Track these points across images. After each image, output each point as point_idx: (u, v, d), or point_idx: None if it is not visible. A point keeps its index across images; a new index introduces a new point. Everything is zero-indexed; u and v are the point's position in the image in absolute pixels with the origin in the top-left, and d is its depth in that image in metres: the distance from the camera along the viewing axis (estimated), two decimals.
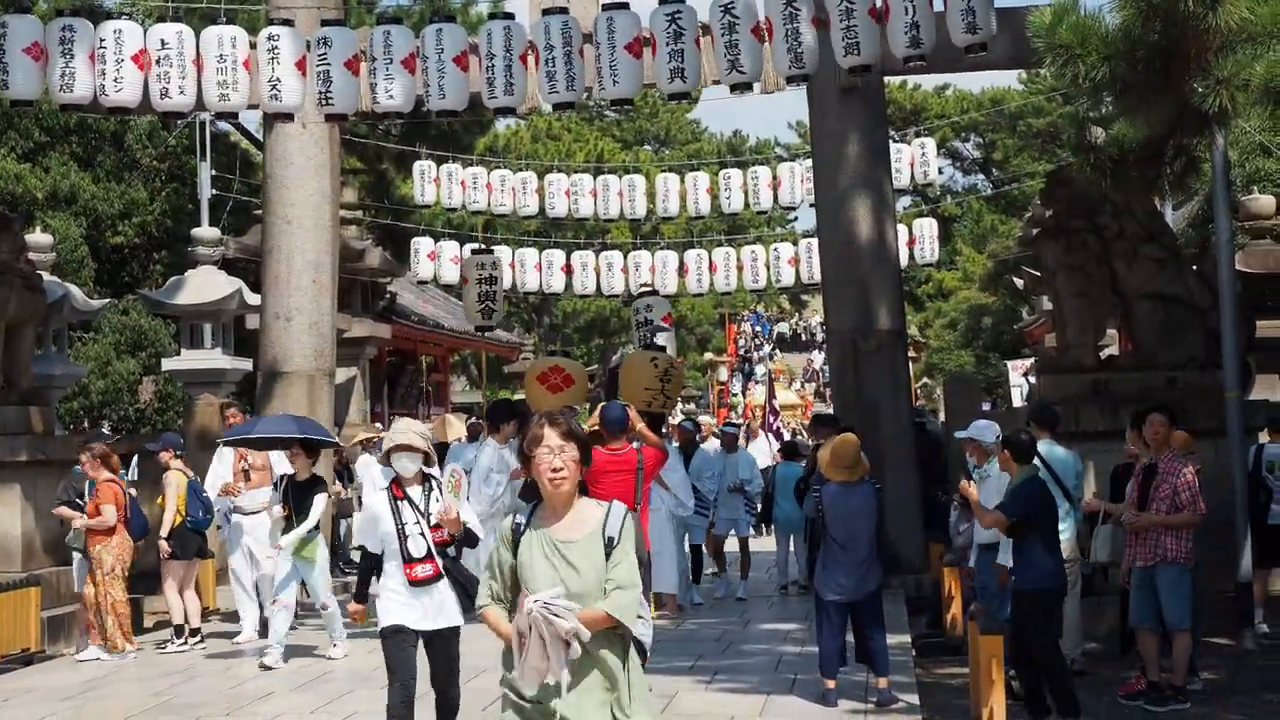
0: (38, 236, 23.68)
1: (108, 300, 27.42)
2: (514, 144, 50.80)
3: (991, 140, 64.14)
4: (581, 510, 5.83)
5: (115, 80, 15.63)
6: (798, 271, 28.86)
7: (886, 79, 57.22)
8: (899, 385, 18.95)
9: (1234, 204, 24.88)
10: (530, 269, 29.29)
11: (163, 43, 15.68)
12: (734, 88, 14.51)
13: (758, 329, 50.48)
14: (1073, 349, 16.46)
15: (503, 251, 29.42)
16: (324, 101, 15.75)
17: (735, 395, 51.34)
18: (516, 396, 45.11)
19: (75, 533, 14.98)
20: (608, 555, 5.70)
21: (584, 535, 5.75)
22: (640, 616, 5.96)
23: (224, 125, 32.35)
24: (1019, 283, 33.96)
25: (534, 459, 5.78)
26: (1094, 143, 9.53)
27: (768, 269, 29.23)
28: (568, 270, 29.36)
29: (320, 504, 13.79)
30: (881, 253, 18.57)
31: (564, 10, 15.25)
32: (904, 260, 29.25)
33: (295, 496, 13.67)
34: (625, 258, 29.87)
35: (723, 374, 52.51)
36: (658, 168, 36.42)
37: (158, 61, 15.66)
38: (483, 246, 27.51)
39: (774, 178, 27.95)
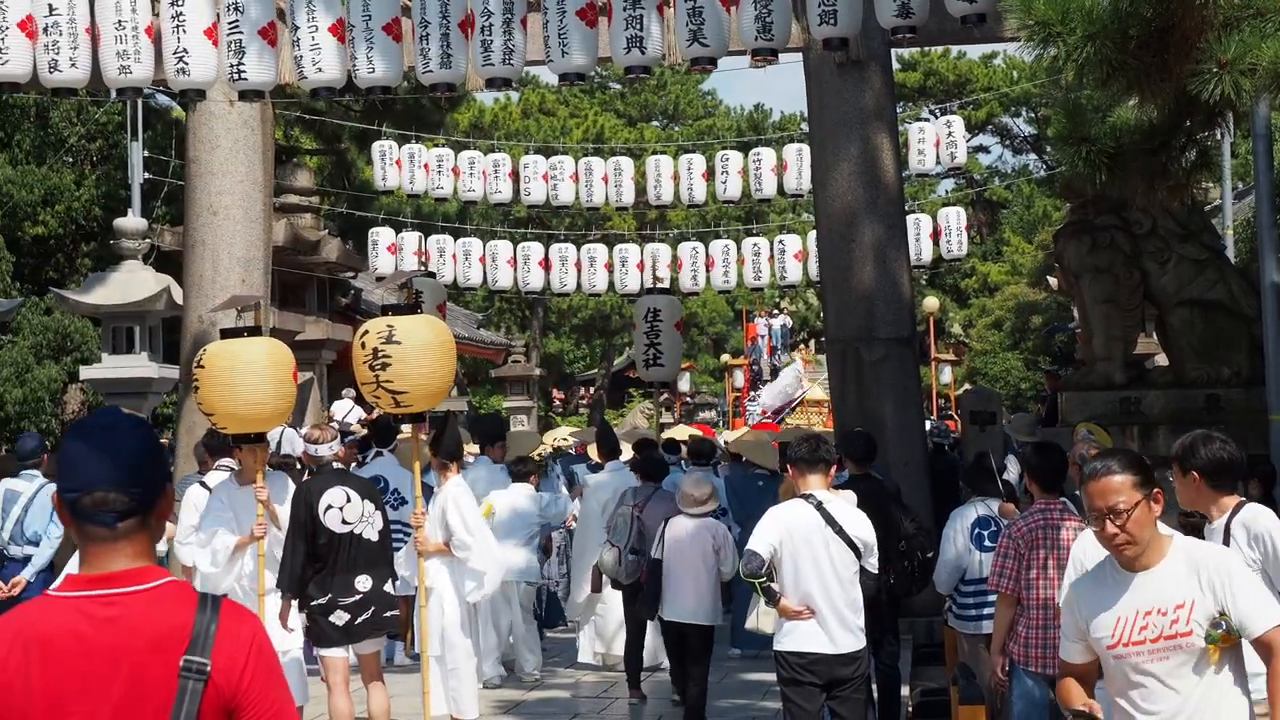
0: None
1: (19, 299, 27.07)
2: (502, 120, 50.48)
3: (1045, 115, 63.60)
4: None
5: None
6: (806, 267, 28.44)
7: (926, 49, 56.33)
8: (909, 400, 18.53)
9: None
10: (503, 263, 28.86)
11: (51, 8, 15.23)
12: (695, 62, 14.08)
13: (765, 333, 49.89)
14: (1099, 362, 15.98)
15: (472, 244, 29.06)
16: (237, 76, 15.27)
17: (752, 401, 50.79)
18: (509, 403, 45.06)
19: None
20: None
21: None
22: None
23: (164, 99, 31.90)
24: (1053, 282, 33.42)
25: None
26: (1087, 134, 9.05)
27: (772, 264, 28.84)
28: (546, 266, 28.94)
29: None
30: (889, 250, 18.15)
31: None
32: (928, 255, 28.96)
33: None
34: (610, 251, 29.44)
35: (739, 379, 52.01)
36: (647, 149, 36.06)
37: (45, 30, 15.22)
38: (424, 268, 26.82)
39: (779, 161, 27.48)
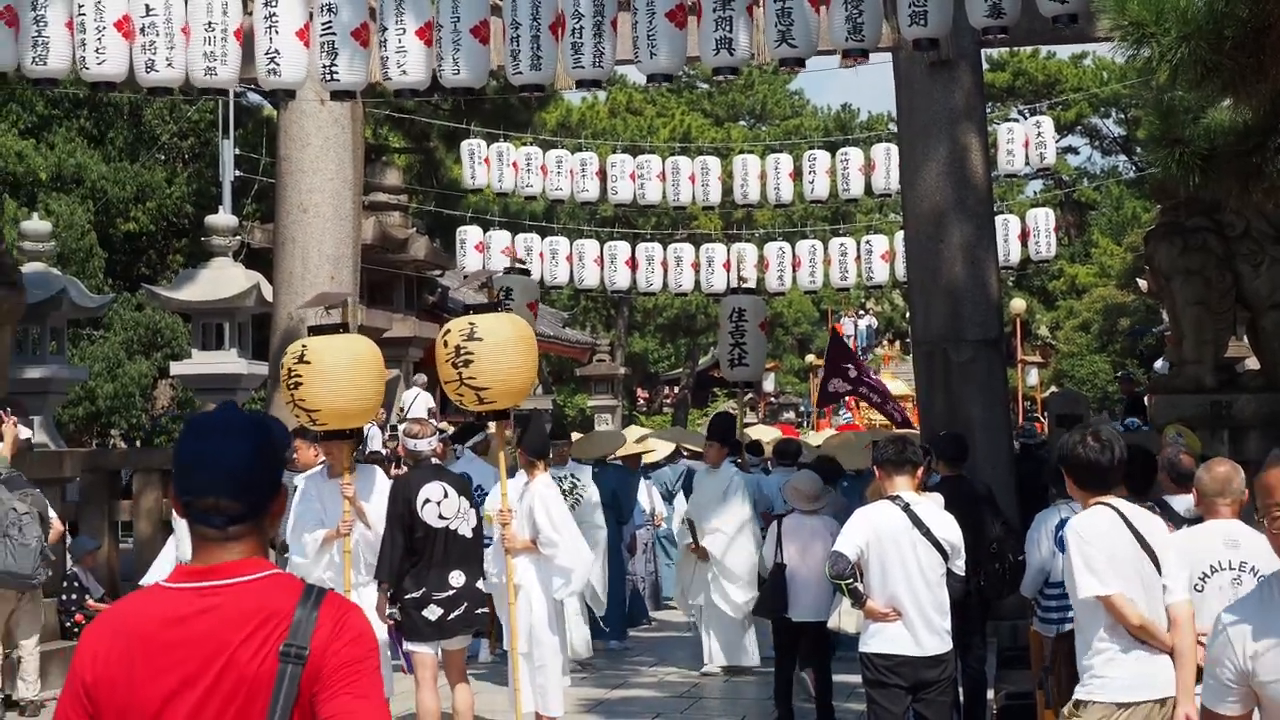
0: (35, 224, 23.64)
1: (111, 295, 27.35)
2: (590, 119, 50.53)
3: (1136, 116, 63.01)
4: None
5: (96, 51, 15.32)
6: (892, 267, 28.36)
7: (1016, 49, 55.83)
8: (996, 402, 18.44)
9: None
10: (589, 262, 28.90)
11: (148, 8, 15.38)
12: (783, 63, 14.08)
13: (851, 334, 49.58)
14: (1189, 365, 15.77)
15: (559, 243, 29.11)
16: (329, 76, 15.38)
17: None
18: (594, 402, 45.11)
19: None
20: None
21: None
22: None
23: (255, 97, 32.20)
24: (1143, 284, 33.16)
25: None
26: (1181, 135, 8.97)
27: (858, 264, 28.79)
28: (632, 265, 28.98)
29: None
30: (977, 251, 18.07)
31: None
32: (1016, 256, 28.81)
33: None
34: (697, 251, 29.47)
35: None
36: (734, 148, 35.97)
37: (142, 30, 15.38)
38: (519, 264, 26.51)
39: (866, 161, 27.40)
